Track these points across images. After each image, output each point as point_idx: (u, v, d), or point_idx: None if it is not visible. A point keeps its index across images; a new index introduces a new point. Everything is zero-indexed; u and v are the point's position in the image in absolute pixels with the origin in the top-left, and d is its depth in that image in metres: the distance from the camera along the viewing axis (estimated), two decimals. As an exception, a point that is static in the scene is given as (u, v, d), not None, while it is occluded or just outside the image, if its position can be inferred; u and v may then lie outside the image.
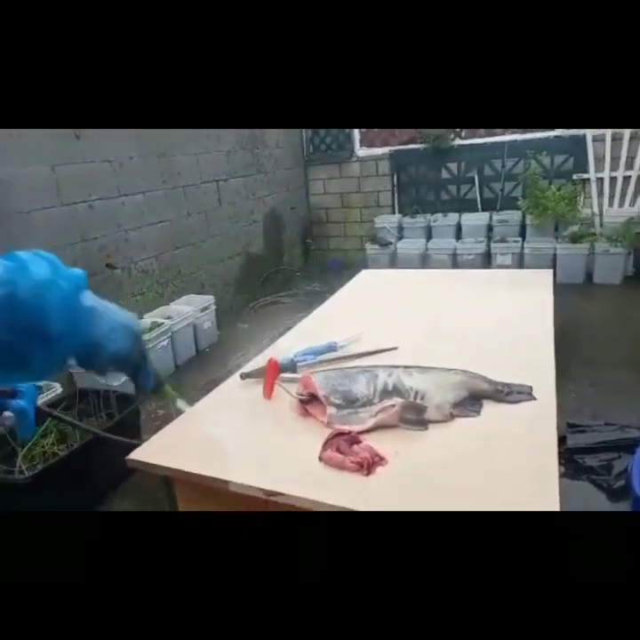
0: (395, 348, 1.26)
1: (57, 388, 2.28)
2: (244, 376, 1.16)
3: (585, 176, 4.17)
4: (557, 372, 1.09)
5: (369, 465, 0.79)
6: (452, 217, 4.66)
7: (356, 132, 4.97)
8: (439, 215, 4.75)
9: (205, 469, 0.83)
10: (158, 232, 3.34)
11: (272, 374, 1.06)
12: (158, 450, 0.91)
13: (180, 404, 0.85)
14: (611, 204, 4.14)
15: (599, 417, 2.17)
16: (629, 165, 4.00)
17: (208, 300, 3.51)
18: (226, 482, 0.80)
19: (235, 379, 1.18)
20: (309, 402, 0.98)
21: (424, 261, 4.52)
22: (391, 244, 4.72)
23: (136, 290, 3.20)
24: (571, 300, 3.56)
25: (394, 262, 4.65)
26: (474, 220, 4.56)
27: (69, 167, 2.67)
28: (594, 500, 1.77)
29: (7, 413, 0.58)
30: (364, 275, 2.11)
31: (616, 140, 4.00)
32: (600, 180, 4.13)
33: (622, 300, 3.70)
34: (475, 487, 0.75)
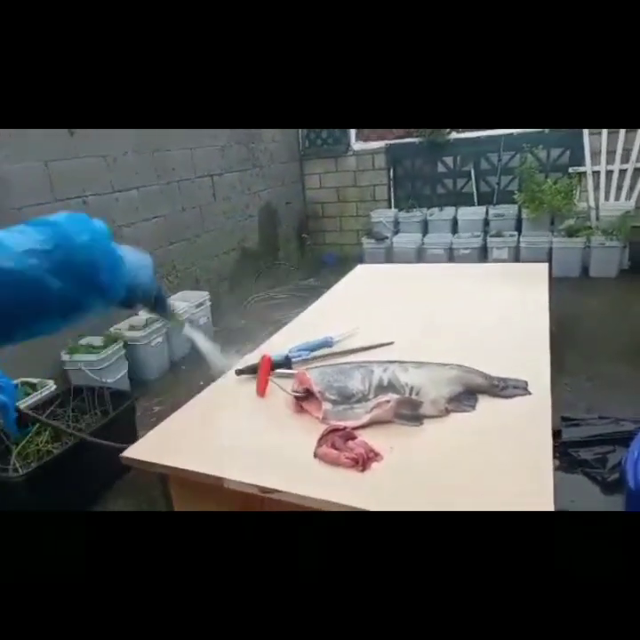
0: (391, 343, 1.26)
1: (51, 386, 2.27)
2: (239, 372, 1.16)
3: (581, 169, 4.17)
4: (552, 365, 1.09)
5: (364, 461, 0.79)
6: (449, 211, 4.66)
7: (352, 125, 4.95)
8: (435, 209, 4.74)
9: (200, 467, 0.82)
10: (153, 227, 3.32)
11: (265, 371, 1.05)
12: (153, 447, 0.90)
13: (187, 329, 0.92)
14: (607, 198, 4.14)
15: (594, 410, 2.18)
16: (625, 158, 4.00)
17: (203, 295, 3.49)
18: (221, 479, 0.80)
19: (230, 375, 1.17)
20: (305, 398, 0.98)
21: (420, 256, 4.51)
22: (387, 238, 4.71)
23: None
24: (567, 293, 3.57)
25: (390, 257, 4.64)
26: (470, 214, 4.55)
27: (63, 163, 2.64)
28: (588, 493, 1.78)
29: None
30: (360, 269, 2.11)
31: (612, 133, 4.00)
32: (596, 174, 4.13)
33: (618, 293, 3.70)
34: (470, 482, 0.75)
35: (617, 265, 3.95)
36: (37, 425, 1.93)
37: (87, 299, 0.49)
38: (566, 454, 1.95)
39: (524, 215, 4.29)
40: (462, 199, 4.71)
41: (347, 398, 0.94)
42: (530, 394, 0.97)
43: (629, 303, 3.42)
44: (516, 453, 0.81)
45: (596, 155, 4.10)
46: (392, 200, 4.99)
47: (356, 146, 4.97)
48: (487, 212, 4.49)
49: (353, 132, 4.96)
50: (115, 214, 2.98)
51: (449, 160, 4.72)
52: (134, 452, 0.89)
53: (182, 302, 3.36)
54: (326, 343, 1.26)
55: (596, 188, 4.14)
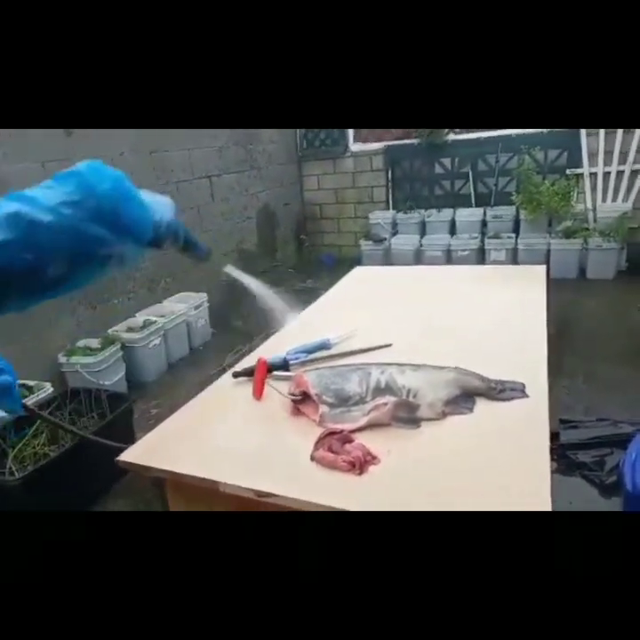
0: (388, 345, 1.25)
1: (48, 388, 2.26)
2: (237, 375, 1.15)
3: (578, 171, 4.18)
4: (550, 367, 1.09)
5: (361, 464, 0.79)
6: (447, 212, 4.66)
7: (350, 127, 4.95)
8: (433, 211, 4.75)
9: (196, 470, 0.82)
10: (150, 229, 3.31)
11: (261, 374, 1.05)
12: (148, 451, 0.90)
13: (228, 267, 0.94)
14: (604, 199, 4.15)
15: (592, 413, 2.18)
16: (622, 160, 4.01)
17: (201, 297, 3.49)
18: (216, 483, 0.79)
19: (227, 377, 1.17)
20: (301, 401, 0.97)
21: (418, 257, 4.51)
22: (385, 239, 4.71)
23: (128, 287, 3.18)
24: (564, 295, 3.57)
25: (388, 258, 4.64)
26: (468, 215, 4.56)
27: (60, 164, 2.63)
28: (586, 496, 1.78)
29: None
30: (358, 271, 2.10)
31: (609, 135, 4.01)
32: (593, 175, 4.14)
33: (615, 294, 3.71)
34: (467, 485, 0.74)
35: (614, 266, 3.96)
36: (34, 428, 1.93)
37: (120, 242, 0.52)
38: (564, 457, 1.95)
39: (521, 217, 4.30)
40: (460, 201, 4.72)
41: (344, 401, 0.94)
42: (527, 396, 0.97)
43: (627, 305, 3.42)
44: (514, 456, 0.81)
45: (593, 156, 4.11)
46: (390, 201, 5.00)
47: (354, 147, 4.98)
48: (485, 214, 4.50)
49: (351, 133, 4.97)
50: (112, 216, 2.97)
51: (447, 161, 4.72)
52: (130, 455, 0.88)
53: (180, 304, 3.35)
54: (324, 345, 1.26)
55: (594, 189, 4.15)
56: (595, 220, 4.13)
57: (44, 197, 0.48)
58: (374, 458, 0.81)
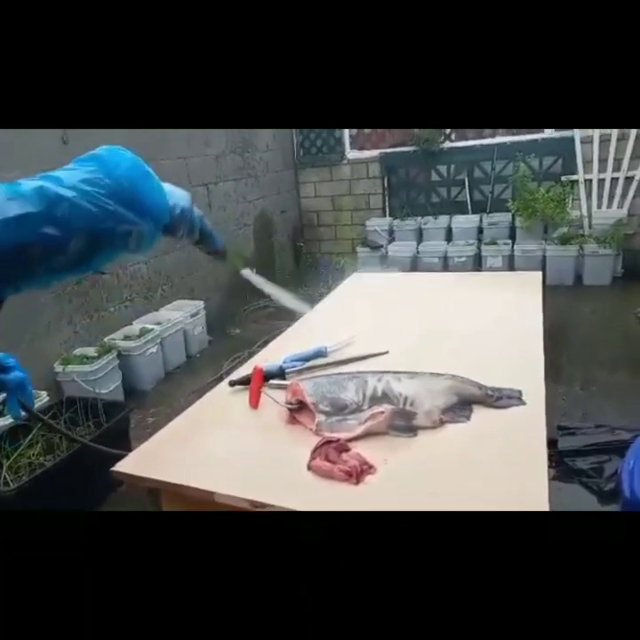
0: (385, 353, 1.25)
1: (43, 397, 2.25)
2: (233, 383, 1.15)
3: (573, 178, 4.21)
4: (547, 374, 1.08)
5: (358, 474, 0.78)
6: (443, 219, 4.68)
7: (347, 134, 4.98)
8: (430, 218, 4.77)
9: (191, 481, 0.81)
10: (147, 237, 3.31)
11: (257, 383, 1.04)
12: (143, 461, 0.89)
13: (245, 271, 0.90)
14: (599, 206, 4.17)
15: (589, 419, 2.17)
16: (617, 167, 4.04)
17: (198, 305, 3.48)
18: (211, 493, 0.78)
19: (223, 386, 1.16)
20: (298, 409, 0.97)
21: (415, 264, 4.53)
22: (382, 246, 4.72)
23: (125, 295, 3.17)
24: (561, 301, 3.58)
25: (385, 265, 4.65)
26: (464, 222, 4.58)
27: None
28: (584, 503, 1.77)
29: None
30: (355, 278, 2.11)
31: (604, 142, 4.04)
32: (588, 182, 4.17)
33: (612, 300, 3.72)
34: (465, 495, 0.74)
35: (610, 273, 3.98)
36: (29, 438, 1.91)
37: (138, 220, 0.54)
38: (562, 463, 1.94)
39: (517, 223, 4.31)
40: (456, 208, 4.74)
41: (340, 409, 0.94)
42: (524, 404, 0.97)
43: (623, 311, 3.43)
44: (512, 464, 0.80)
45: (588, 163, 4.14)
46: (387, 209, 5.02)
47: (351, 155, 5.00)
48: (481, 221, 4.52)
49: (347, 140, 5.00)
50: (109, 224, 2.97)
51: (443, 169, 4.75)
52: (125, 466, 0.87)
53: (177, 311, 3.35)
54: (320, 353, 1.25)
55: (589, 196, 4.18)
56: (590, 227, 4.15)
57: (67, 176, 0.50)
58: (371, 467, 0.80)
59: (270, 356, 1.28)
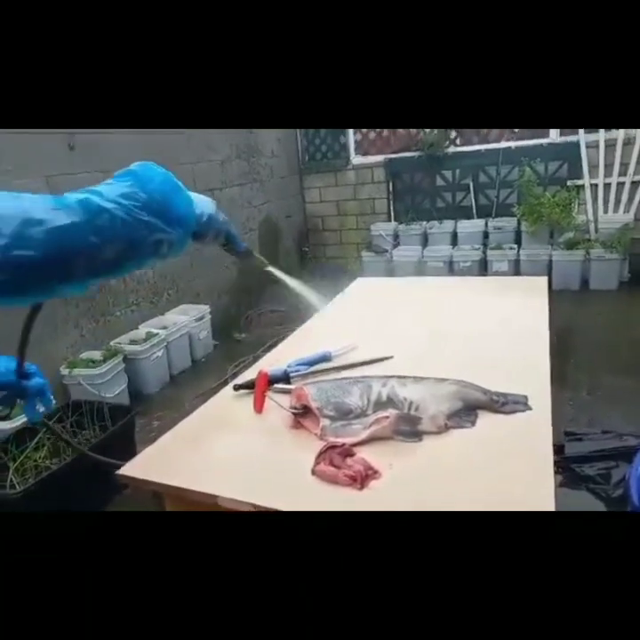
0: (390, 357, 1.25)
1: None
2: (238, 387, 1.15)
3: (579, 182, 4.20)
4: (554, 379, 1.08)
5: (362, 479, 0.78)
6: (448, 224, 4.68)
7: (351, 140, 4.99)
8: (435, 222, 4.76)
9: (195, 484, 0.81)
10: (153, 241, 3.33)
11: (262, 387, 1.04)
12: (147, 464, 0.89)
13: (270, 268, 0.95)
14: (605, 211, 4.16)
15: (596, 425, 2.16)
16: (623, 172, 4.03)
17: (204, 309, 3.49)
18: (215, 497, 0.78)
19: (228, 390, 1.17)
20: (302, 414, 0.97)
21: (420, 269, 4.52)
22: (387, 251, 4.72)
23: (131, 299, 3.19)
24: (567, 306, 3.56)
25: (390, 270, 4.65)
26: (469, 227, 4.57)
27: (63, 178, 2.66)
28: (592, 509, 1.75)
29: None
30: (360, 283, 2.11)
31: (609, 147, 4.03)
32: (594, 187, 4.15)
33: (619, 305, 3.70)
34: (470, 500, 0.73)
35: (617, 277, 3.95)
36: (35, 440, 1.92)
37: (168, 229, 0.59)
38: (569, 469, 1.93)
39: (523, 228, 4.30)
40: (461, 212, 4.74)
41: (345, 414, 0.93)
42: (530, 409, 0.96)
43: (631, 315, 3.41)
44: (517, 470, 0.80)
45: (593, 168, 4.12)
46: (391, 213, 5.02)
47: (356, 160, 5.02)
48: (486, 225, 4.51)
49: (352, 146, 5.01)
50: (115, 229, 2.99)
51: (448, 174, 4.75)
52: (130, 469, 0.88)
53: (183, 316, 3.36)
54: (325, 357, 1.25)
55: (595, 200, 4.17)
56: (596, 231, 4.13)
57: (107, 190, 0.56)
58: (376, 472, 0.80)
59: (275, 360, 1.28)
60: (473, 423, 0.93)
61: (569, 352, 2.93)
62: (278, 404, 0.99)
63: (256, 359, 1.37)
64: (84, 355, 2.75)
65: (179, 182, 0.63)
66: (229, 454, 0.91)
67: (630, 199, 4.06)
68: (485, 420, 0.94)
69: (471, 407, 0.96)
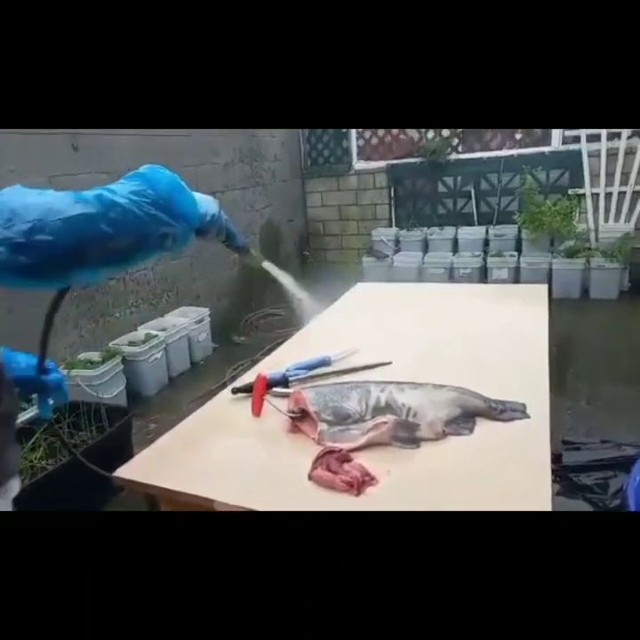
0: (389, 363, 1.25)
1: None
2: (236, 391, 1.15)
3: (580, 191, 4.21)
4: (553, 387, 1.08)
5: (359, 485, 0.78)
6: (449, 231, 4.68)
7: (354, 145, 5.01)
8: (436, 229, 4.77)
9: (191, 488, 0.81)
10: (154, 243, 3.33)
11: (260, 390, 1.04)
12: (144, 467, 0.89)
13: (266, 264, 1.01)
14: (606, 220, 4.16)
15: (595, 434, 2.15)
16: (624, 181, 4.04)
17: (203, 311, 3.49)
18: (211, 501, 0.78)
19: (226, 393, 1.16)
20: (300, 418, 0.96)
21: (421, 275, 4.52)
22: (388, 256, 4.73)
23: (131, 301, 3.19)
24: (567, 314, 3.56)
25: (391, 275, 4.65)
26: (470, 233, 4.57)
27: (67, 178, 2.67)
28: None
29: None
30: (360, 288, 2.11)
31: (611, 156, 4.04)
32: (595, 196, 4.16)
33: (619, 314, 3.70)
34: (468, 508, 0.73)
35: (617, 286, 3.95)
36: (31, 441, 1.91)
37: (174, 224, 0.65)
38: (567, 479, 1.92)
39: (523, 236, 4.31)
40: (462, 219, 4.74)
41: (343, 419, 0.93)
42: (528, 417, 0.96)
43: (630, 325, 3.41)
44: (515, 478, 0.80)
45: (595, 177, 4.13)
46: (393, 219, 5.03)
47: (358, 165, 5.03)
48: (487, 232, 4.51)
49: (354, 151, 5.03)
50: (117, 230, 2.99)
51: (449, 180, 4.76)
52: (126, 471, 0.87)
53: (182, 318, 3.36)
54: (324, 362, 1.25)
55: (596, 209, 4.17)
56: (597, 240, 4.14)
57: (119, 188, 0.62)
58: (372, 478, 0.79)
59: (274, 364, 1.28)
60: (471, 430, 0.93)
61: (569, 360, 2.92)
62: (276, 408, 0.99)
63: (255, 362, 1.36)
64: (83, 355, 2.74)
65: (183, 183, 0.68)
66: (226, 458, 0.91)
67: (631, 209, 4.06)
68: (483, 427, 0.94)
69: (469, 414, 0.96)
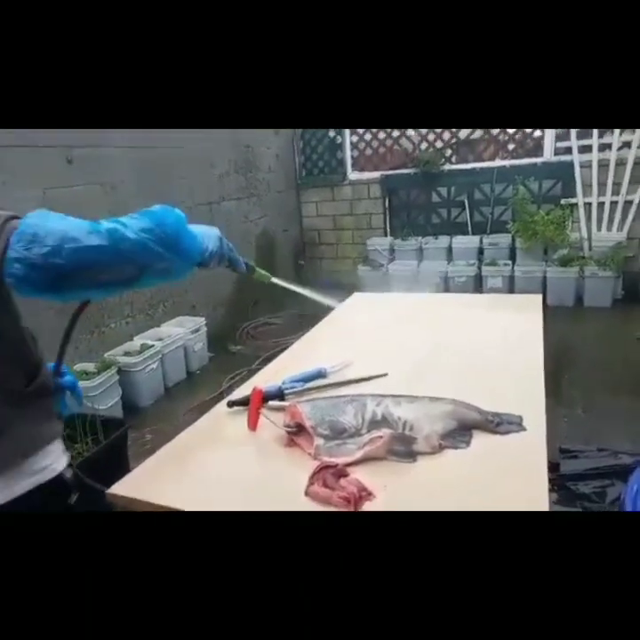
0: (385, 375, 1.25)
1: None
2: (232, 404, 1.14)
3: (573, 201, 4.25)
4: (548, 395, 1.08)
5: (356, 500, 0.77)
6: (443, 240, 4.71)
7: (348, 156, 5.05)
8: (430, 238, 4.80)
9: (186, 505, 0.80)
10: (150, 254, 3.33)
11: (256, 404, 1.03)
12: (138, 483, 0.88)
13: (274, 279, 1.10)
14: (599, 229, 4.20)
15: (591, 442, 2.15)
16: (616, 191, 4.08)
17: (199, 321, 3.48)
18: (208, 518, 0.77)
19: (222, 406, 1.16)
20: (296, 432, 0.96)
21: (416, 284, 4.53)
22: (383, 266, 4.74)
23: (126, 311, 3.18)
24: (561, 323, 3.58)
25: (386, 284, 4.66)
26: (464, 242, 4.60)
27: (61, 191, 2.67)
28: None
29: None
30: (356, 298, 2.11)
31: (602, 167, 4.09)
32: (588, 205, 4.20)
33: (613, 322, 3.72)
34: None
35: (611, 295, 3.98)
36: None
37: (175, 261, 0.73)
38: (565, 488, 1.92)
39: (517, 245, 4.34)
40: (457, 228, 4.78)
41: (339, 433, 0.93)
42: (525, 430, 0.96)
43: (624, 333, 3.43)
44: (511, 490, 0.79)
45: (587, 187, 4.18)
46: (387, 228, 5.05)
47: (353, 176, 5.06)
48: (481, 241, 4.54)
49: (349, 162, 5.06)
50: (112, 241, 2.99)
51: (443, 190, 4.80)
52: (120, 488, 0.86)
53: (178, 328, 3.35)
54: (320, 374, 1.25)
55: (588, 219, 4.21)
56: (590, 249, 4.18)
57: (131, 223, 0.70)
58: (369, 494, 0.79)
59: (270, 376, 1.28)
60: (468, 443, 0.93)
61: (564, 368, 2.93)
62: (272, 422, 0.99)
63: (251, 372, 1.36)
64: (78, 366, 2.73)
65: (188, 226, 0.77)
66: (222, 473, 0.90)
67: (623, 218, 4.11)
68: (480, 440, 0.94)
69: (466, 427, 0.96)
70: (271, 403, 1.11)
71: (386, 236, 5.03)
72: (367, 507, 0.77)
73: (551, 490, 0.76)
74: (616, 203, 4.10)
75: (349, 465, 0.87)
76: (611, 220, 4.16)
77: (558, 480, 1.94)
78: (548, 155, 4.36)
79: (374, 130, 4.86)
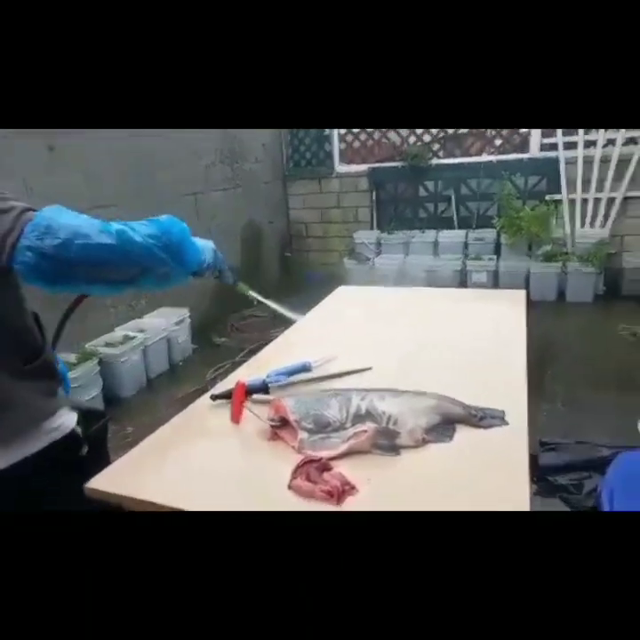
0: (369, 369, 1.25)
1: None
2: (215, 397, 1.13)
3: (557, 197, 4.29)
4: (530, 388, 1.09)
5: (339, 494, 0.77)
6: (430, 234, 4.73)
7: (336, 148, 5.02)
8: (417, 232, 4.81)
9: (167, 500, 0.79)
10: (133, 244, 3.27)
11: (239, 398, 1.03)
12: (118, 477, 0.87)
13: (253, 293, 1.19)
14: (582, 225, 4.26)
15: (570, 435, 2.19)
16: (600, 188, 4.14)
17: (183, 313, 3.45)
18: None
19: (205, 399, 1.14)
20: (280, 426, 0.95)
21: (402, 277, 4.55)
22: (369, 259, 4.74)
23: (108, 302, 3.12)
24: (544, 317, 3.63)
25: (372, 277, 4.66)
26: (450, 237, 4.63)
27: (42, 179, 2.60)
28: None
29: None
30: (341, 291, 2.10)
31: (587, 163, 4.13)
32: (572, 202, 4.25)
33: (594, 317, 3.79)
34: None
35: (592, 290, 4.04)
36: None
37: (175, 267, 0.80)
38: (544, 479, 1.95)
39: (502, 240, 4.38)
40: (443, 223, 4.80)
41: (323, 427, 0.93)
42: (507, 424, 0.97)
43: (605, 327, 3.49)
44: (494, 483, 0.80)
45: (571, 184, 4.22)
46: (374, 222, 5.05)
47: (340, 168, 5.04)
48: (467, 236, 4.57)
49: (336, 154, 5.03)
50: (94, 230, 2.92)
51: (430, 185, 4.81)
52: (99, 482, 0.85)
53: (161, 319, 3.31)
54: (305, 368, 1.24)
55: (572, 215, 4.26)
56: (573, 245, 4.23)
57: (139, 228, 0.76)
58: (353, 488, 0.79)
59: (254, 370, 1.27)
60: (451, 438, 0.93)
61: (545, 362, 2.98)
62: (256, 415, 0.98)
63: (235, 365, 1.35)
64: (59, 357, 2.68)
65: (191, 238, 0.83)
66: (205, 467, 0.89)
67: (606, 215, 4.17)
68: (463, 434, 0.95)
69: (449, 421, 0.97)
70: (255, 396, 1.11)
71: (373, 229, 5.03)
72: (350, 500, 0.77)
73: (531, 481, 0.78)
74: (600, 200, 4.16)
75: (333, 459, 0.87)
76: (594, 217, 4.21)
77: (537, 472, 1.97)
78: (534, 151, 4.39)
79: (362, 122, 4.83)
